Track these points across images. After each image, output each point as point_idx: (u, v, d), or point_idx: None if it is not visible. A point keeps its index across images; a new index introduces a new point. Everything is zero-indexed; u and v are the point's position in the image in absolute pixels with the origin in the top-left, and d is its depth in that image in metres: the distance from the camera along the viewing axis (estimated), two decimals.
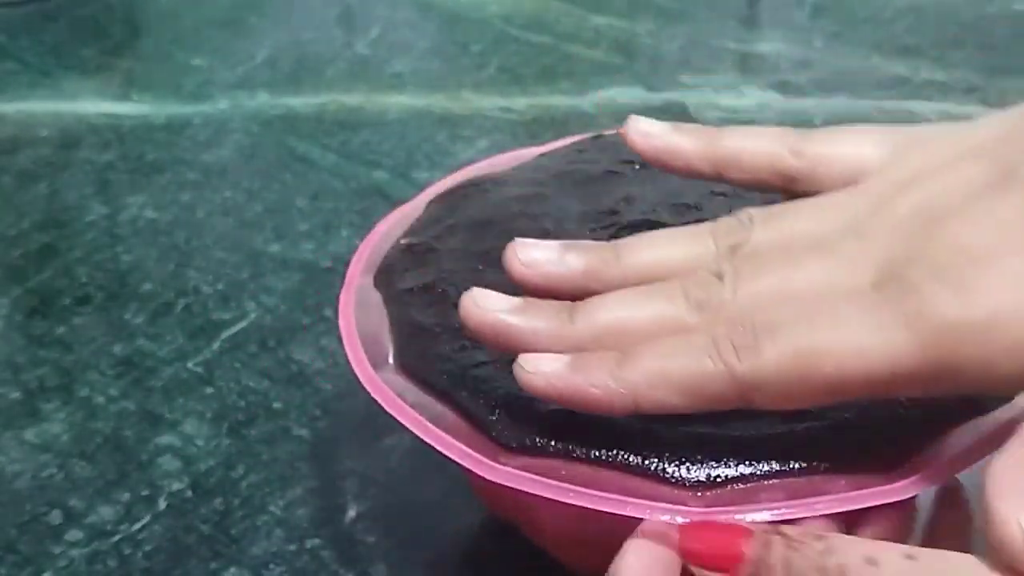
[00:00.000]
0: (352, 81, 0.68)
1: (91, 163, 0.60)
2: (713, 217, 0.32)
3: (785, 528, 0.25)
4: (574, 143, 0.42)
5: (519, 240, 0.29)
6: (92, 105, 0.66)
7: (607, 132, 0.42)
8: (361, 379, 0.31)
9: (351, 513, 0.38)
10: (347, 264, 0.36)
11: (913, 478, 0.27)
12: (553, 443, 0.28)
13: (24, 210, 0.56)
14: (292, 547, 0.37)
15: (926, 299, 0.24)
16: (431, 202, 0.39)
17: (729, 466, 0.28)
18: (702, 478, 0.28)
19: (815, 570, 0.23)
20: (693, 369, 0.26)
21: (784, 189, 0.31)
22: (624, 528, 0.26)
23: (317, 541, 0.37)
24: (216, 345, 0.46)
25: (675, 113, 0.63)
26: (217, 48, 0.73)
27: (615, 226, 0.35)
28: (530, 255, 0.29)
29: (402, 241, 0.37)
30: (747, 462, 0.28)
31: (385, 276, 0.35)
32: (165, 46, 0.74)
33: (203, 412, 0.42)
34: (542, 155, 0.42)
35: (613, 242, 0.30)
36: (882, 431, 0.28)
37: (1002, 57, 0.69)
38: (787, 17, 0.77)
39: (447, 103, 0.65)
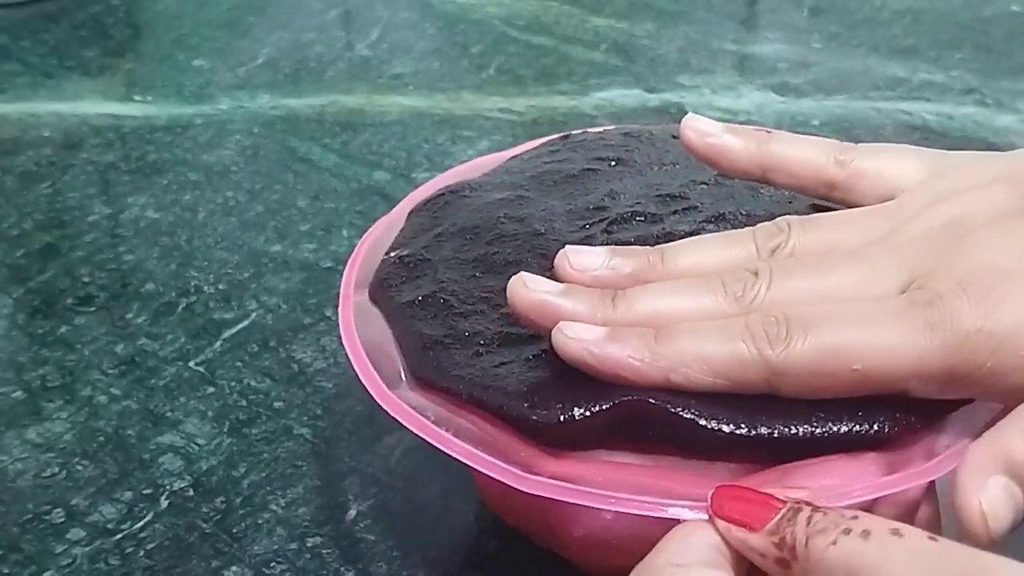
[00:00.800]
0: (353, 82, 0.68)
1: (93, 163, 0.60)
2: (699, 204, 0.35)
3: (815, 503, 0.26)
4: (543, 144, 0.42)
5: (570, 247, 0.31)
6: (94, 106, 0.66)
7: (575, 132, 0.43)
8: (381, 403, 0.31)
9: (352, 512, 0.38)
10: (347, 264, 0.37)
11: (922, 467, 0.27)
12: (591, 434, 0.29)
13: (26, 210, 0.56)
14: (293, 545, 0.37)
15: (950, 308, 0.26)
16: (411, 213, 0.39)
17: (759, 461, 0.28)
18: (733, 474, 0.28)
19: (840, 530, 0.24)
20: (727, 351, 0.27)
21: (824, 196, 0.33)
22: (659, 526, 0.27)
23: (318, 539, 0.37)
24: (217, 344, 0.46)
25: (673, 114, 0.64)
26: (218, 49, 0.73)
27: (605, 220, 0.35)
28: (581, 260, 0.31)
29: (392, 254, 0.37)
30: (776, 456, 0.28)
31: (382, 291, 0.35)
32: (167, 47, 0.74)
33: (205, 411, 0.43)
34: (512, 158, 0.42)
35: (659, 246, 0.31)
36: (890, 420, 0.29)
37: (999, 58, 0.69)
38: (785, 18, 0.77)
39: (447, 104, 0.65)
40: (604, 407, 0.28)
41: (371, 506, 0.38)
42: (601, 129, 0.43)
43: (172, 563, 0.36)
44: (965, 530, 0.24)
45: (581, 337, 0.28)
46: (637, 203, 0.36)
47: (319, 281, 0.50)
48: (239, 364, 0.45)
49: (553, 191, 0.38)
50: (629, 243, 0.33)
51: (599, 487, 0.27)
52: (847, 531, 0.24)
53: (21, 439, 0.42)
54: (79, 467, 0.40)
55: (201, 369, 0.45)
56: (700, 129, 0.34)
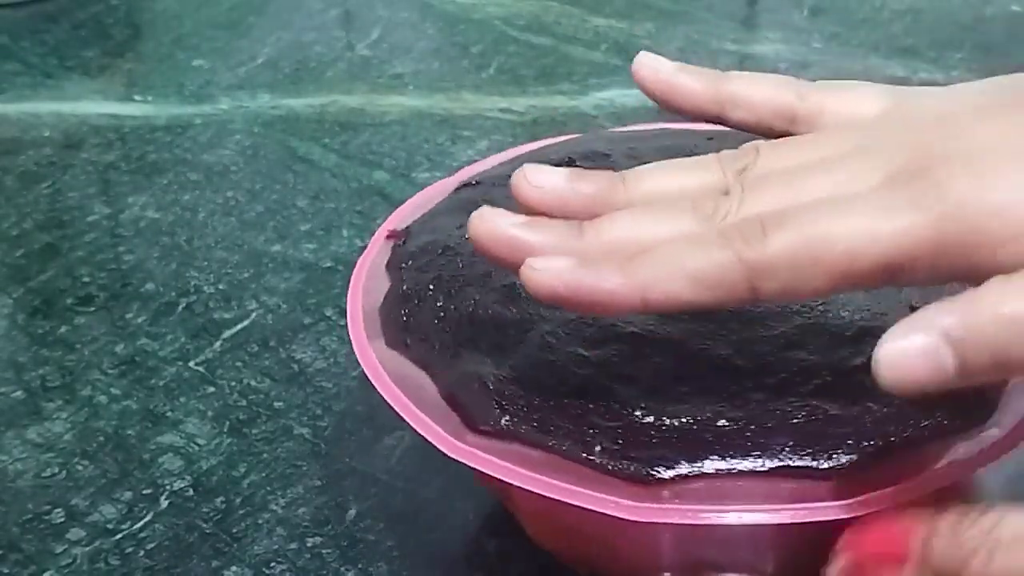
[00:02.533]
0: (353, 82, 0.68)
1: (93, 163, 0.60)
2: None
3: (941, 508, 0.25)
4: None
5: (528, 164, 0.29)
6: (94, 106, 0.66)
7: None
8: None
9: (352, 512, 0.38)
10: (347, 264, 0.37)
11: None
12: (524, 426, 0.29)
13: (26, 210, 0.56)
14: (293, 545, 0.37)
15: (940, 180, 0.25)
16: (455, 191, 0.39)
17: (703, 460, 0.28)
18: (670, 474, 0.28)
19: (989, 542, 0.23)
20: (703, 260, 0.26)
21: (785, 132, 0.31)
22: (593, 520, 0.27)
23: (318, 539, 0.37)
24: (218, 344, 0.46)
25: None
26: (218, 49, 0.73)
27: None
28: (539, 178, 0.29)
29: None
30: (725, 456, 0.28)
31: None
32: (167, 47, 0.74)
33: (205, 411, 0.43)
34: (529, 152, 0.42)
35: (622, 172, 0.30)
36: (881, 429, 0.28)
37: (999, 58, 0.69)
38: (786, 18, 0.77)
39: (447, 104, 0.65)
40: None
41: (371, 506, 0.38)
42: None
43: (172, 563, 0.36)
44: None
45: (550, 267, 0.26)
46: None
47: (319, 281, 0.50)
48: (239, 364, 0.45)
49: None
50: None
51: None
52: (996, 540, 0.23)
53: (21, 439, 0.42)
54: (79, 467, 0.40)
55: (201, 369, 0.45)
56: (653, 67, 0.32)
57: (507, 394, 0.30)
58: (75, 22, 0.77)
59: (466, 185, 0.39)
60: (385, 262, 0.36)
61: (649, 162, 0.39)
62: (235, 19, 0.78)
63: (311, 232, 0.53)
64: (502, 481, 0.28)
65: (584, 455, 0.28)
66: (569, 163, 0.39)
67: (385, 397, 0.31)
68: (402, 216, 0.39)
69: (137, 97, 0.67)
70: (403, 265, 0.35)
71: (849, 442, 0.28)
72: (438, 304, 0.33)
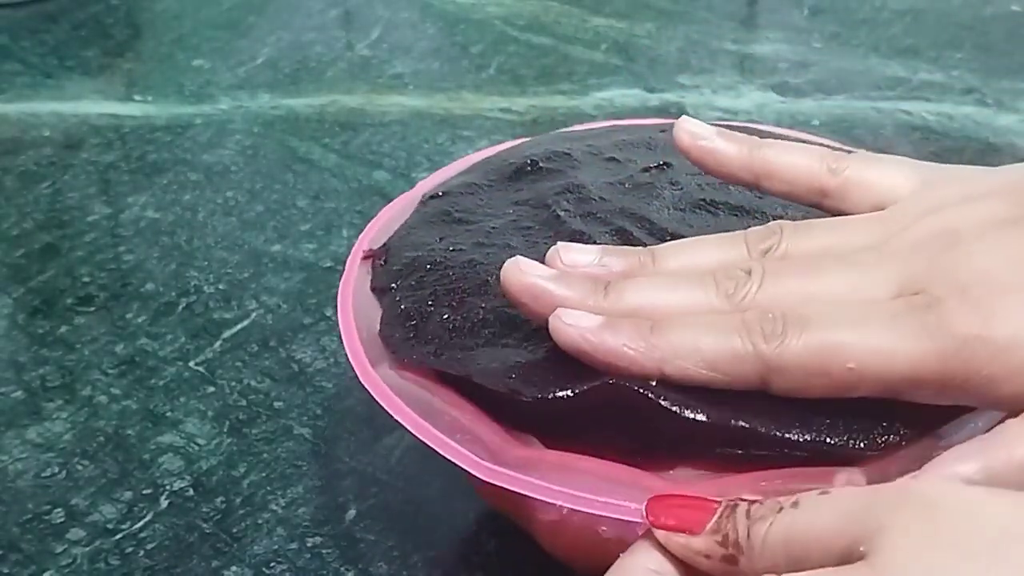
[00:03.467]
0: (353, 82, 0.68)
1: (93, 163, 0.60)
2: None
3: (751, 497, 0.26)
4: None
5: (561, 244, 0.31)
6: (94, 106, 0.66)
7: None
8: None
9: (352, 512, 0.38)
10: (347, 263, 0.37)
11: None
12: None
13: (26, 210, 0.56)
14: (293, 545, 0.37)
15: (948, 313, 0.26)
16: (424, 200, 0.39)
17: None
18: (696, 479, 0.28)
19: (775, 511, 0.24)
20: (722, 345, 0.27)
21: (816, 204, 0.33)
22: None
23: (318, 539, 0.37)
24: (217, 344, 0.46)
25: (673, 114, 0.64)
26: (218, 49, 0.73)
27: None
28: (572, 257, 0.31)
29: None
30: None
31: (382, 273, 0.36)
32: (167, 47, 0.74)
33: (205, 411, 0.43)
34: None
35: (651, 247, 0.32)
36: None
37: (999, 58, 0.69)
38: (786, 18, 0.77)
39: (447, 104, 0.65)
40: (585, 388, 0.29)
41: (371, 506, 0.38)
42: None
43: (172, 563, 0.36)
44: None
45: (578, 324, 0.28)
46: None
47: (319, 281, 0.50)
48: (239, 364, 0.45)
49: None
50: None
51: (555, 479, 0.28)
52: (780, 509, 0.24)
53: (21, 439, 0.42)
54: (79, 467, 0.40)
55: (201, 369, 0.45)
56: (693, 132, 0.34)
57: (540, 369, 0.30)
58: (75, 22, 0.77)
59: (432, 197, 0.39)
60: (368, 284, 0.36)
61: (611, 156, 0.40)
62: (235, 19, 0.78)
63: (311, 232, 0.53)
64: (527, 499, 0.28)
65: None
66: (532, 164, 0.39)
67: (406, 425, 0.30)
68: (373, 234, 0.38)
69: (137, 97, 0.67)
70: (392, 286, 0.35)
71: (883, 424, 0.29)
72: (444, 317, 0.33)
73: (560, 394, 0.29)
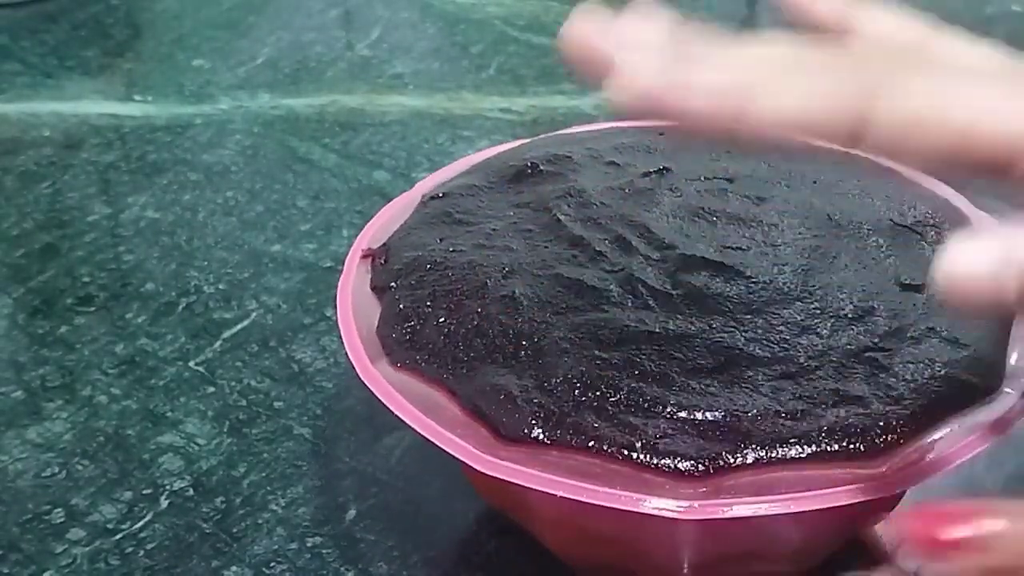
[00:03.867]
0: (353, 82, 0.68)
1: (93, 163, 0.60)
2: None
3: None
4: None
5: None
6: (94, 106, 0.66)
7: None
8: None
9: (352, 512, 0.38)
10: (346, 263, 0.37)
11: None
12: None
13: (26, 210, 0.56)
14: (293, 545, 0.37)
15: None
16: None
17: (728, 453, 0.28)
18: (697, 467, 0.28)
19: None
20: (821, 81, 0.24)
21: None
22: (622, 520, 0.27)
23: (318, 539, 0.37)
24: (217, 344, 0.46)
25: None
26: (218, 49, 0.73)
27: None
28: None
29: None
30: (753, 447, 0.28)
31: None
32: (166, 47, 0.74)
33: (205, 411, 0.43)
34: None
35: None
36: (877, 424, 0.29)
37: None
38: (786, 18, 0.77)
39: (447, 104, 0.65)
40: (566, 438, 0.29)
41: (371, 506, 0.38)
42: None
43: (172, 563, 0.36)
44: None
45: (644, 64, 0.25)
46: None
47: (319, 281, 0.50)
48: (239, 364, 0.45)
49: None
50: None
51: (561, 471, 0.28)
52: None
53: (21, 439, 0.42)
54: (79, 467, 0.40)
55: (201, 369, 0.45)
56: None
57: (536, 403, 0.30)
58: (75, 22, 0.77)
59: (433, 198, 0.39)
60: (368, 283, 0.36)
61: (611, 160, 0.41)
62: (235, 19, 0.78)
63: (311, 232, 0.53)
64: (528, 492, 0.28)
65: (627, 454, 0.28)
66: (532, 167, 0.39)
67: (407, 420, 0.30)
68: (372, 234, 0.38)
69: (137, 97, 0.67)
70: (392, 285, 0.35)
71: (881, 423, 0.29)
72: (440, 320, 0.33)
73: (535, 435, 0.29)
